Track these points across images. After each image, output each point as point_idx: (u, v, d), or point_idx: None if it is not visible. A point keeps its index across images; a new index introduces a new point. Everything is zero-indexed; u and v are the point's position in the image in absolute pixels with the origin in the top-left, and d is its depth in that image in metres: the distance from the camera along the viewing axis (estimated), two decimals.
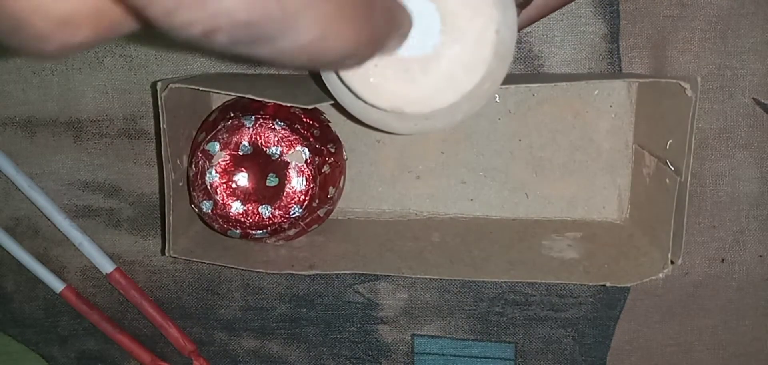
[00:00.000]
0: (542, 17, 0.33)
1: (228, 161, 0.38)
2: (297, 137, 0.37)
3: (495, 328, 0.45)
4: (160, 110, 0.35)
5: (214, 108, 0.41)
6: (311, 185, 0.38)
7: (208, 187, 0.38)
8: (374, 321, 0.46)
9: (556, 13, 0.39)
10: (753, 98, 0.40)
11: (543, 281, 0.39)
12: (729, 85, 0.39)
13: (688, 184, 0.33)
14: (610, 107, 0.41)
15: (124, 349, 0.47)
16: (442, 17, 0.22)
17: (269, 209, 0.38)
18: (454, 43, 0.23)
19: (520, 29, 0.30)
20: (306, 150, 0.37)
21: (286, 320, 0.46)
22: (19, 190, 0.45)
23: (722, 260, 0.42)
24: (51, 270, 0.46)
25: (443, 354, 0.46)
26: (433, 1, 0.22)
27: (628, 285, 0.41)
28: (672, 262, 0.35)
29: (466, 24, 0.23)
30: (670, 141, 0.35)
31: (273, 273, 0.45)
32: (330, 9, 0.14)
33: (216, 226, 0.39)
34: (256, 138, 0.37)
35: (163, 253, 0.45)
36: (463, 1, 0.22)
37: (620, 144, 0.41)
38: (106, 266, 0.46)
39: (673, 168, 0.35)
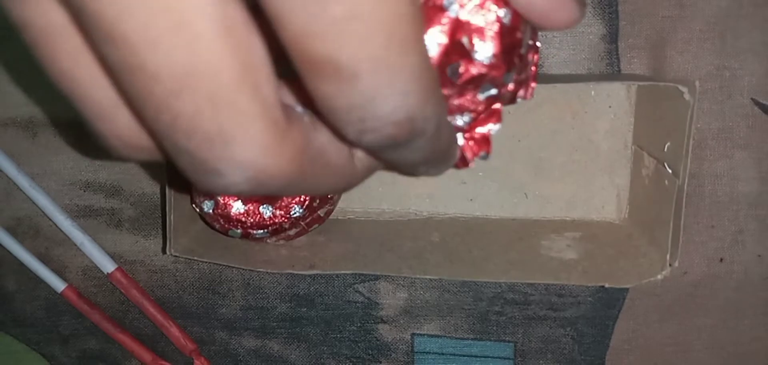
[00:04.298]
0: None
1: None
2: None
3: (494, 327, 0.45)
4: None
5: None
6: None
7: None
8: (374, 320, 0.46)
9: None
10: (752, 99, 0.40)
11: (542, 281, 0.39)
12: (728, 85, 0.39)
13: (686, 187, 0.33)
14: (609, 107, 0.41)
15: (125, 348, 0.47)
16: None
17: (270, 209, 0.38)
18: None
19: None
20: None
21: (287, 319, 0.47)
22: (21, 190, 0.45)
23: (721, 260, 0.42)
24: (52, 270, 0.46)
25: (443, 354, 0.46)
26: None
27: (627, 285, 0.42)
28: (670, 264, 0.35)
29: None
30: (668, 144, 0.35)
31: (273, 273, 0.45)
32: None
33: (217, 226, 0.39)
34: None
35: (164, 251, 0.45)
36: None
37: (619, 145, 0.41)
38: (107, 265, 0.46)
39: (671, 170, 0.35)
